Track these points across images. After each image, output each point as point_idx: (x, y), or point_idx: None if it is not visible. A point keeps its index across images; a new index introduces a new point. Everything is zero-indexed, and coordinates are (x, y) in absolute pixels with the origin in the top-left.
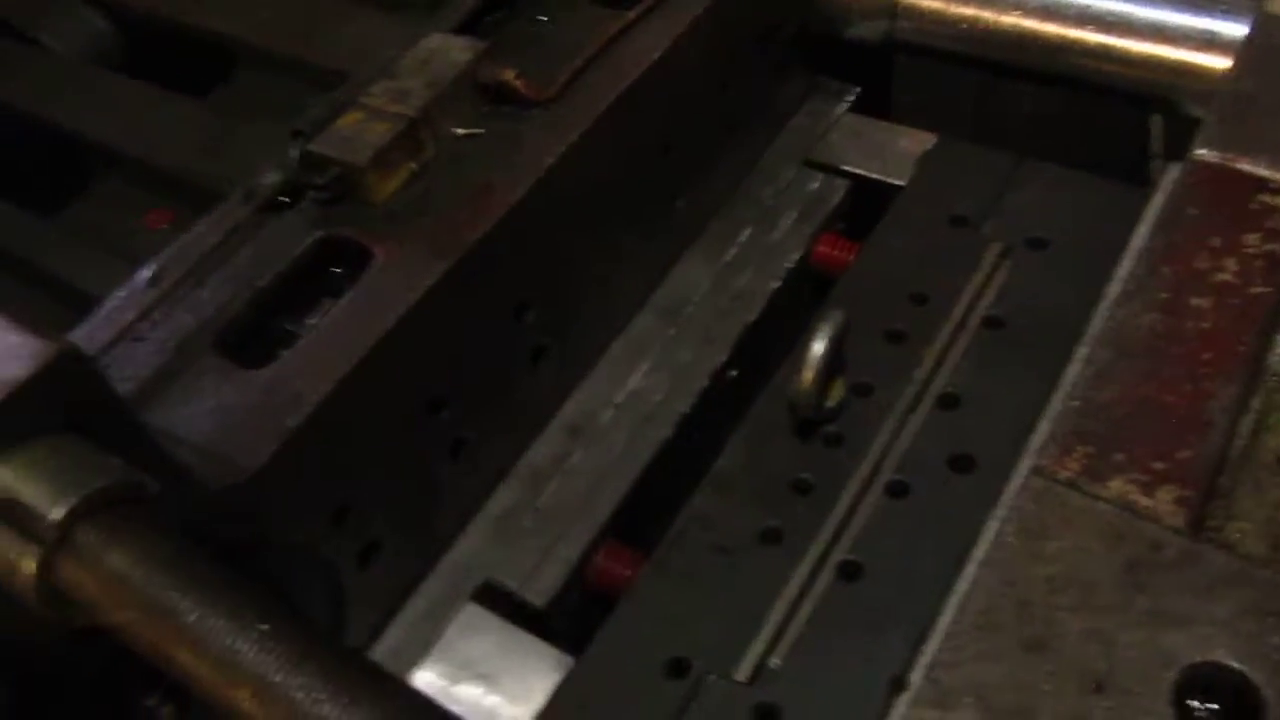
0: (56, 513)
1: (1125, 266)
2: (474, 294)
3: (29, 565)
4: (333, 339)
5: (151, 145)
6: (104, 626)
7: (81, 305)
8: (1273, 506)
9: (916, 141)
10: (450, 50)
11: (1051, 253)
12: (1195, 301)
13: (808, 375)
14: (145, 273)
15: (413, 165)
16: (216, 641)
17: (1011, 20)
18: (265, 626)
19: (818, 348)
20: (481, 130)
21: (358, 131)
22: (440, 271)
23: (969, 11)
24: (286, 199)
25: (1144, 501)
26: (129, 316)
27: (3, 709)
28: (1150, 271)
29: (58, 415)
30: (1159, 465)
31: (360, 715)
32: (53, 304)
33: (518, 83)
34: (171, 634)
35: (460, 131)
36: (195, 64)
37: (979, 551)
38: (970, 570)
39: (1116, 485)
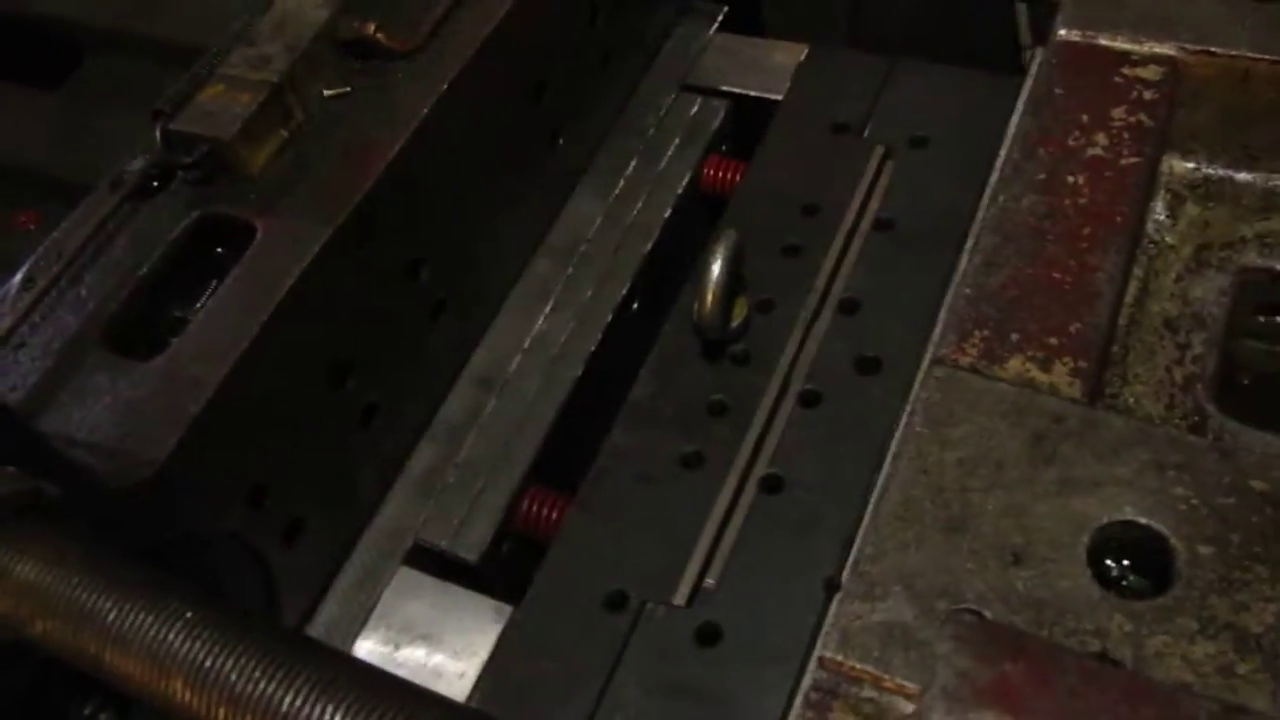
0: None
1: (1003, 154)
2: (363, 256)
3: None
4: (224, 320)
5: (7, 144)
6: (23, 639)
7: None
8: (1163, 368)
9: (790, 54)
10: (305, 10)
11: (933, 150)
12: (1071, 179)
13: (709, 297)
14: (16, 277)
15: (283, 132)
16: (142, 636)
17: None
18: (190, 614)
19: (716, 269)
20: (349, 89)
21: (222, 104)
22: (325, 237)
23: None
24: (156, 183)
25: (1042, 377)
26: (6, 324)
27: None
28: (1026, 155)
29: None
30: (1053, 341)
31: (300, 686)
32: None
33: (379, 35)
34: (94, 636)
35: (328, 92)
36: (42, 56)
37: (893, 446)
38: (886, 465)
39: (1015, 365)
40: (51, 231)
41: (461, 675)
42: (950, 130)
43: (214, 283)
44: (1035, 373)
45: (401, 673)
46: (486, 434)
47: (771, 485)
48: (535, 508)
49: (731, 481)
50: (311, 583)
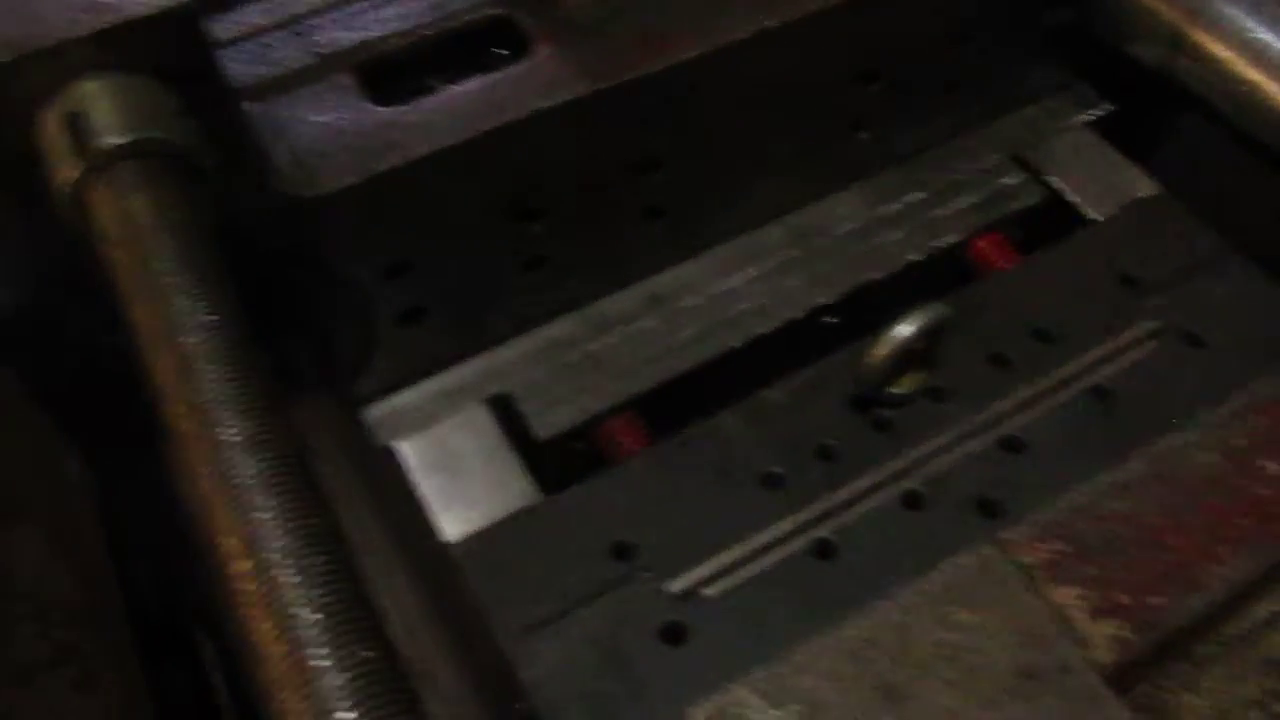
0: (109, 141)
1: (1232, 399)
2: (607, 130)
3: (69, 175)
4: (457, 110)
5: None
6: (98, 254)
7: None
8: (1240, 703)
9: (1138, 185)
10: None
11: (1202, 355)
12: (1265, 465)
13: (880, 350)
14: None
15: None
16: (166, 310)
17: None
18: (212, 318)
19: (903, 329)
20: None
21: None
22: (583, 92)
23: (1254, 76)
24: None
25: (1083, 624)
26: (300, 10)
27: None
28: (1241, 413)
29: (157, 62)
30: (1122, 598)
31: (241, 430)
32: None
33: None
34: (138, 285)
35: None
36: None
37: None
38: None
39: (1067, 594)
40: None
41: (463, 521)
42: (1235, 348)
43: (476, 74)
44: (1079, 615)
45: (419, 486)
46: (627, 343)
47: (822, 549)
48: (620, 430)
49: (791, 523)
50: (402, 368)
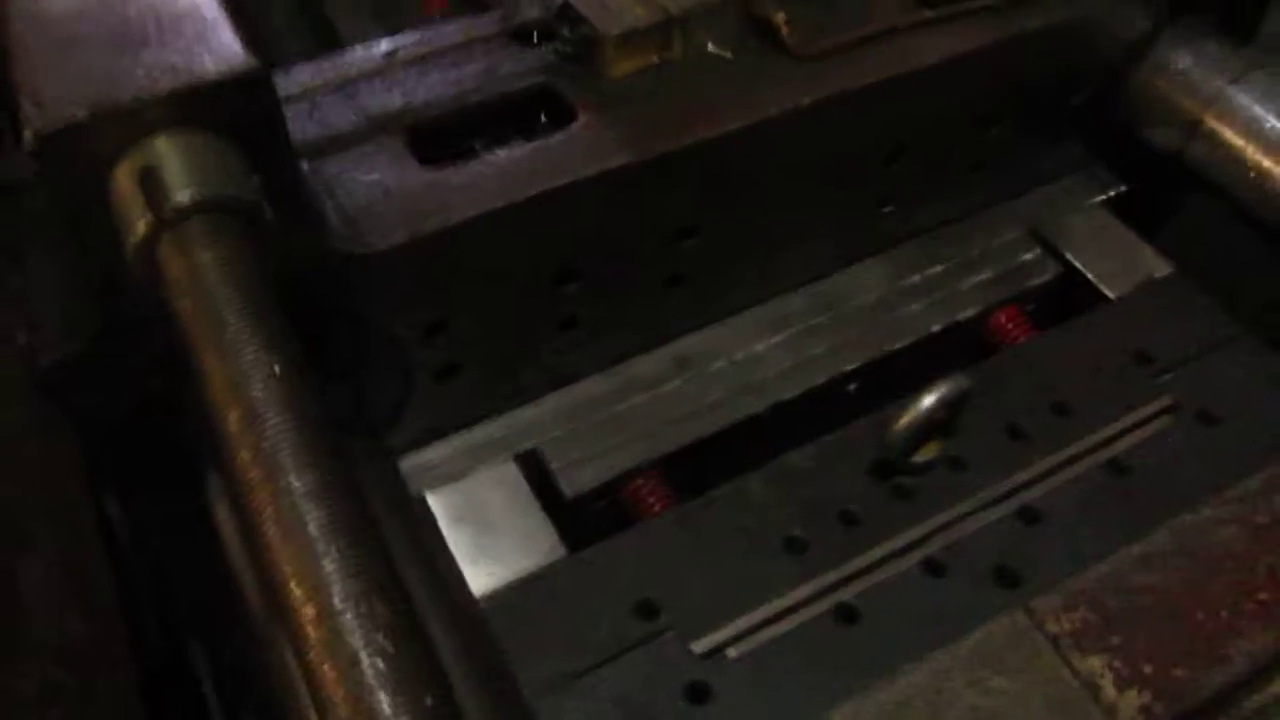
0: (181, 196)
1: (1252, 478)
2: (644, 198)
3: (140, 229)
4: (502, 174)
5: None
6: (168, 305)
7: (331, 43)
8: None
9: (1153, 264)
10: None
11: (1217, 432)
12: None
13: (903, 419)
14: (384, 44)
15: (654, 58)
16: (235, 361)
17: None
18: (277, 369)
19: (926, 401)
20: (730, 55)
21: (621, 6)
22: (622, 163)
23: (1267, 164)
24: (536, 35)
25: (1110, 693)
26: (350, 73)
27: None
28: (1266, 490)
29: (228, 121)
30: (1148, 668)
31: (304, 480)
32: (309, 32)
33: (784, 27)
34: (208, 337)
35: (712, 48)
36: None
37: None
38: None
39: (1094, 663)
40: (449, 23)
41: (490, 575)
42: (1248, 426)
43: (520, 140)
44: (1107, 685)
45: (448, 539)
46: (653, 404)
47: (846, 614)
48: (646, 490)
49: (813, 586)
50: (434, 423)
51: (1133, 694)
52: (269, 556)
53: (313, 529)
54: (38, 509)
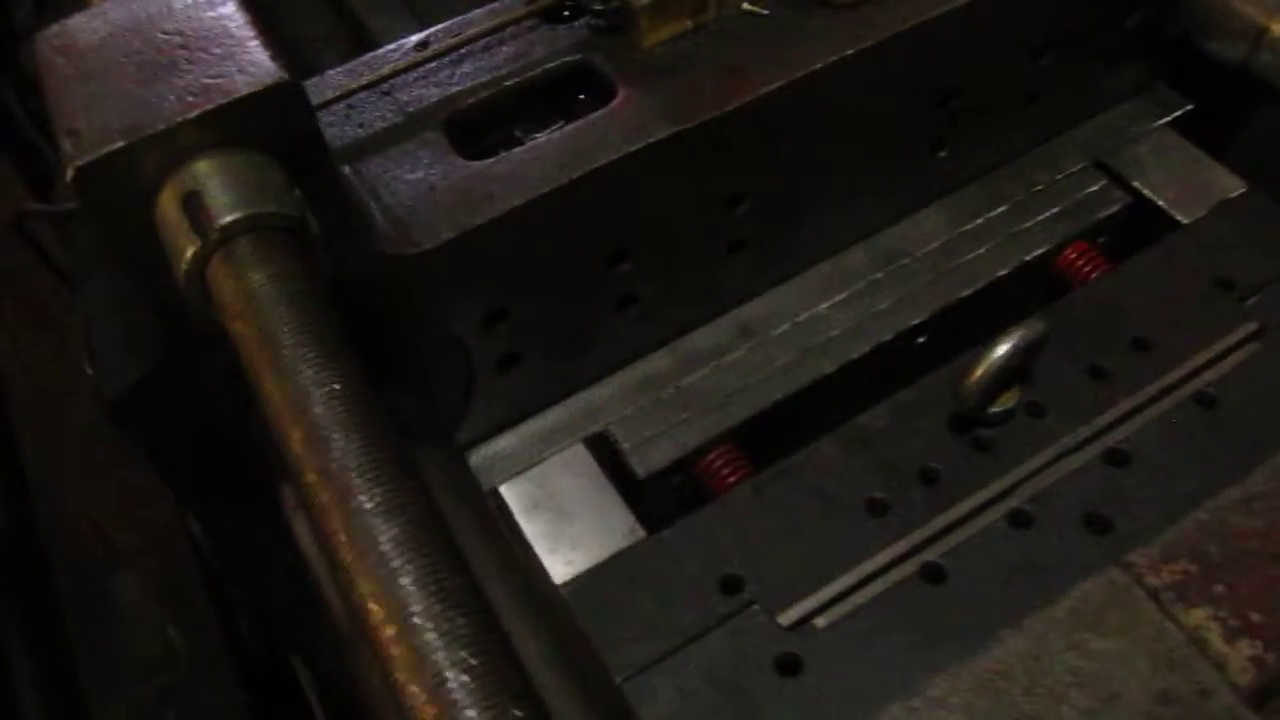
0: (226, 218)
1: None
2: (692, 167)
3: (188, 253)
4: (545, 159)
5: None
6: (224, 328)
7: (363, 41)
8: None
9: (1227, 185)
10: None
11: None
12: None
13: (978, 371)
14: (414, 37)
15: (689, 22)
16: (294, 382)
17: None
18: (338, 387)
19: (1001, 349)
20: (766, 12)
21: None
22: (666, 134)
23: None
24: (567, 12)
25: (1219, 646)
26: (384, 71)
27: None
28: None
29: (265, 136)
30: (1256, 616)
31: (378, 494)
32: (342, 32)
33: None
34: (265, 358)
35: (746, 6)
36: None
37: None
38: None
39: (1199, 615)
40: (476, 8)
41: (569, 563)
42: None
43: (560, 121)
44: (1214, 638)
45: (525, 530)
46: (719, 375)
47: (932, 574)
48: (720, 463)
49: (898, 548)
50: (501, 413)
51: (1242, 644)
52: (346, 577)
53: (386, 547)
54: (129, 527)
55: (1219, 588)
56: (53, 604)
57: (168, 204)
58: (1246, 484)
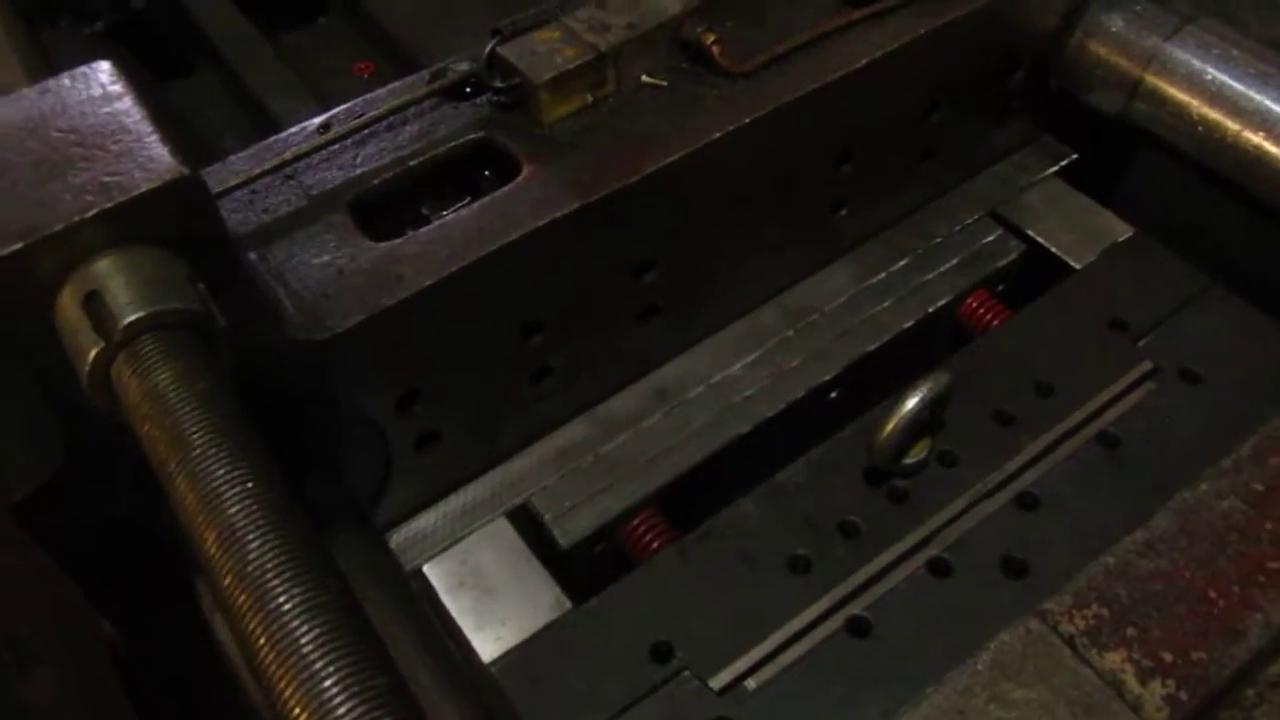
0: (129, 317)
1: (1238, 448)
2: (599, 239)
3: (91, 354)
4: (453, 237)
5: (380, 3)
6: (131, 429)
7: (264, 125)
8: None
9: (1114, 230)
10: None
11: (1200, 390)
12: None
13: (890, 424)
14: (317, 120)
15: (588, 97)
16: (205, 483)
17: (1255, 140)
18: (250, 485)
19: (910, 402)
20: (665, 84)
21: (549, 49)
22: (573, 207)
23: (1213, 116)
24: (468, 89)
25: (1134, 687)
26: (287, 155)
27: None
28: (1257, 458)
29: (166, 231)
30: (1167, 656)
31: (291, 597)
32: (244, 116)
33: (715, 48)
34: (175, 460)
35: (646, 79)
36: None
37: (951, 672)
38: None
39: (1113, 659)
40: (377, 87)
41: (497, 639)
42: (1231, 379)
43: (466, 199)
44: (1130, 680)
45: (450, 609)
46: (637, 441)
47: (858, 628)
48: (643, 529)
49: (823, 604)
50: (420, 492)
51: (1156, 684)
52: (268, 680)
53: (308, 649)
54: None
55: (1130, 630)
56: None
57: (68, 304)
58: (1149, 527)
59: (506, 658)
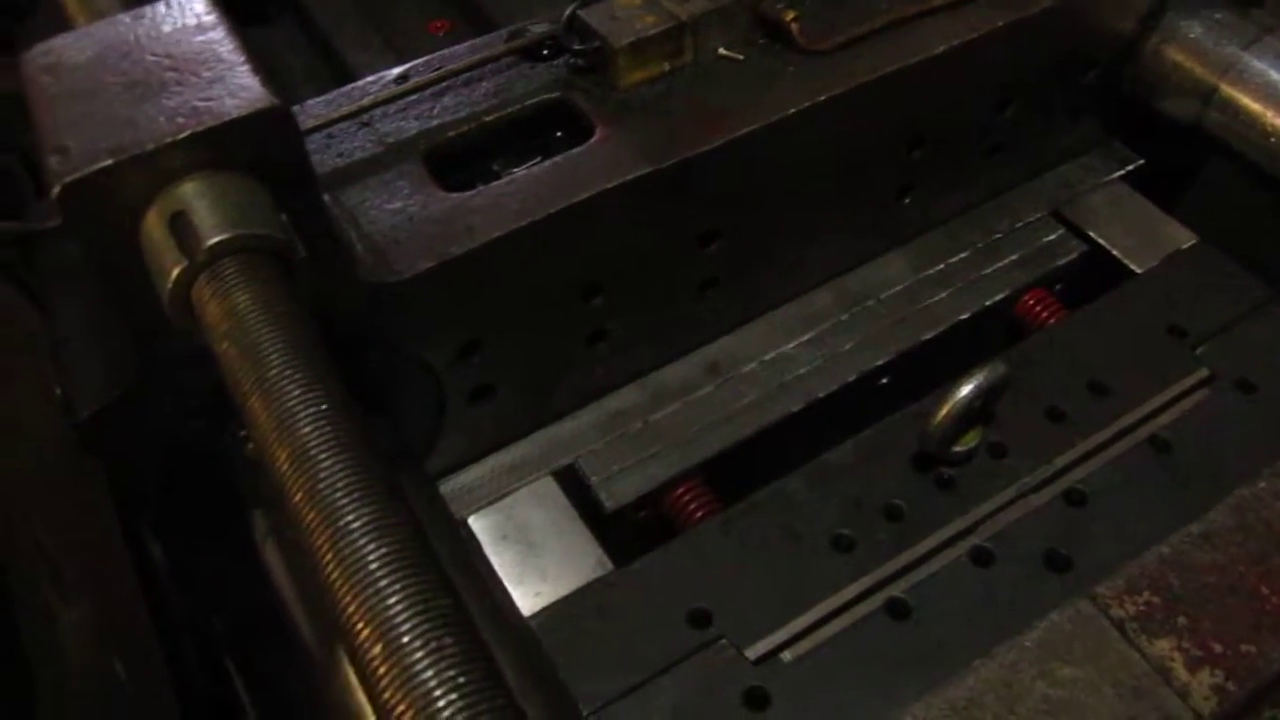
0: (213, 238)
1: None
2: (666, 206)
3: (174, 272)
4: (524, 193)
5: None
6: (209, 348)
7: (341, 76)
8: None
9: (1178, 237)
10: None
11: (1255, 400)
12: None
13: (942, 411)
14: (395, 70)
15: (666, 65)
16: (281, 402)
17: None
18: (325, 407)
19: (964, 391)
20: (741, 57)
21: (629, 15)
22: (643, 172)
23: None
24: (546, 51)
25: (1182, 675)
26: (365, 102)
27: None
28: None
29: (252, 160)
30: (1217, 647)
31: (360, 517)
32: (321, 66)
33: (793, 25)
34: (251, 379)
35: (723, 51)
36: None
37: (1000, 646)
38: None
39: (1163, 645)
40: (455, 44)
41: (537, 594)
42: None
43: (539, 157)
44: (1178, 667)
45: (493, 561)
46: (687, 411)
47: (897, 610)
48: (687, 498)
49: (864, 584)
50: (471, 445)
51: (1204, 674)
52: (333, 596)
53: (374, 566)
54: (76, 554)
55: (1181, 619)
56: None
57: (154, 224)
58: (1205, 520)
59: (545, 613)
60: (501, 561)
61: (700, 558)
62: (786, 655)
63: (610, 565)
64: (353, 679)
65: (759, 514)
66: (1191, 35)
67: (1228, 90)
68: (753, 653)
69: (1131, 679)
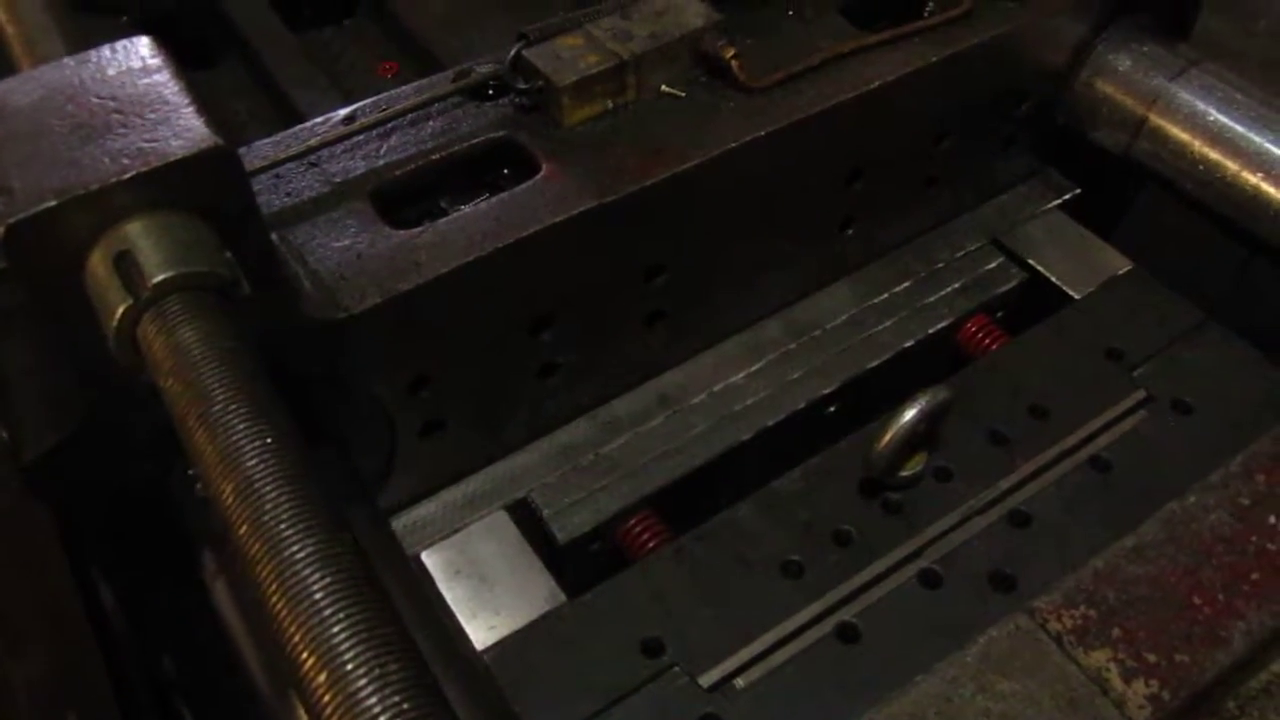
0: (158, 276)
1: (1227, 463)
2: (612, 240)
3: (119, 310)
4: (470, 229)
5: (407, 5)
6: (155, 385)
7: (289, 118)
8: None
9: (1113, 264)
10: (687, 11)
11: (1192, 420)
12: (1274, 521)
13: (886, 437)
14: (343, 111)
15: (609, 103)
16: (226, 436)
17: (1253, 181)
18: (269, 441)
19: (907, 415)
20: (683, 94)
21: (572, 55)
22: (588, 207)
23: (1213, 156)
24: (491, 91)
25: (1118, 685)
26: (313, 142)
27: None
28: (1245, 473)
29: (198, 199)
30: (1151, 657)
31: (305, 547)
32: (269, 108)
33: (734, 63)
34: (196, 414)
35: (665, 88)
36: None
37: (940, 663)
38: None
39: (1099, 657)
40: (402, 85)
41: (491, 628)
42: (1221, 411)
43: (485, 194)
44: (1114, 678)
45: (446, 596)
46: (638, 443)
47: (846, 634)
48: (639, 529)
49: (814, 609)
50: (422, 481)
51: (1139, 684)
52: (278, 626)
53: (318, 596)
54: (28, 605)
55: (1116, 631)
56: None
57: (99, 263)
58: (1138, 533)
59: (500, 646)
60: (455, 596)
61: (652, 587)
62: (739, 682)
63: (563, 597)
64: (304, 716)
65: (709, 542)
66: (1120, 68)
67: (1156, 120)
68: (706, 680)
69: (1069, 691)
